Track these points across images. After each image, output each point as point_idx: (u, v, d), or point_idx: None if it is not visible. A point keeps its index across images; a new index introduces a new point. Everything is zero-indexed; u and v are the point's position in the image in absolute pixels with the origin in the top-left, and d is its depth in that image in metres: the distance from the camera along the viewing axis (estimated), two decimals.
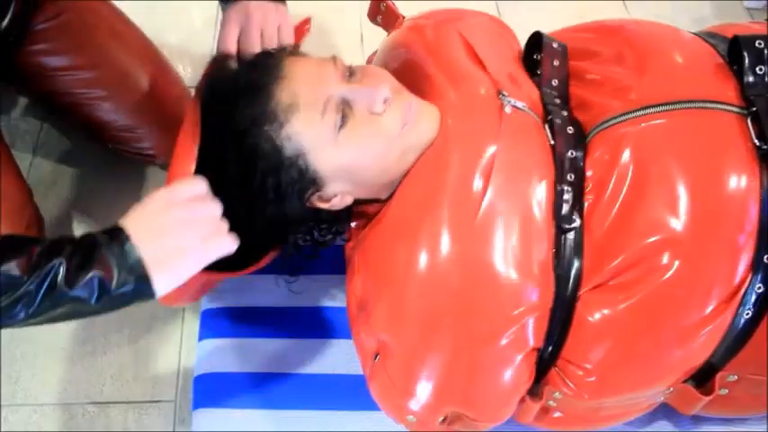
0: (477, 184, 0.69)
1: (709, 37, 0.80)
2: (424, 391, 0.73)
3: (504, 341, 0.70)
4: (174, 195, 0.66)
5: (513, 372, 0.72)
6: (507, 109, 0.72)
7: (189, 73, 1.44)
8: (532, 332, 0.71)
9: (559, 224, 0.70)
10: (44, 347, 1.11)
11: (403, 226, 0.72)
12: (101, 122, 1.16)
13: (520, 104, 0.73)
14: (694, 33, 0.83)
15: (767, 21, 1.05)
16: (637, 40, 0.78)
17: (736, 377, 0.76)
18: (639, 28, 0.82)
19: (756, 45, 0.72)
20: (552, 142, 0.73)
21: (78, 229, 1.25)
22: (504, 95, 0.73)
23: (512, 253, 0.68)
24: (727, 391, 0.77)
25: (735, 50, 0.74)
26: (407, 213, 0.72)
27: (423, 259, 0.69)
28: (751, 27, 0.83)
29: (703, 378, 0.77)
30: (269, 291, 1.07)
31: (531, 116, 0.74)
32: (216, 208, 0.67)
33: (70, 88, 1.12)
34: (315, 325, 1.04)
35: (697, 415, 0.86)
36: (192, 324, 1.11)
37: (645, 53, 0.76)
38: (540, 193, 0.70)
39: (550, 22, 0.93)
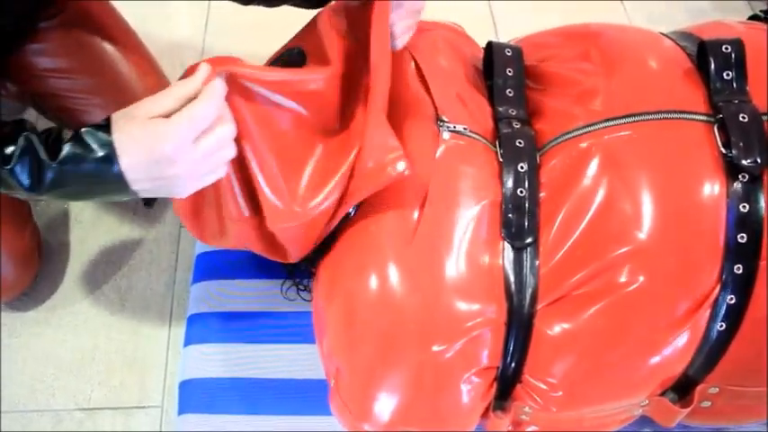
0: (414, 215, 0.70)
1: (682, 39, 0.79)
2: (378, 414, 0.73)
3: (448, 354, 0.69)
4: (191, 131, 0.62)
5: (465, 390, 0.72)
6: (445, 135, 0.72)
7: (179, 74, 1.43)
8: (487, 348, 0.70)
9: (508, 240, 0.69)
10: (32, 354, 1.11)
11: (352, 253, 0.73)
12: None
13: (460, 128, 0.73)
14: (670, 37, 0.81)
15: (762, 13, 1.02)
16: (609, 44, 0.76)
17: (717, 389, 0.75)
18: (617, 34, 0.80)
19: (723, 50, 0.70)
20: (501, 159, 0.71)
21: (74, 233, 1.25)
22: (442, 122, 0.72)
23: (456, 276, 0.68)
24: (709, 403, 0.76)
25: (702, 56, 0.72)
26: (355, 242, 0.73)
27: (372, 283, 0.69)
28: (733, 29, 0.80)
29: (684, 390, 0.76)
30: (255, 296, 1.08)
31: (473, 138, 0.73)
32: (228, 140, 0.64)
33: (66, 92, 1.11)
34: (301, 330, 1.04)
35: (685, 424, 0.85)
36: (179, 329, 1.11)
37: (615, 57, 0.74)
38: (480, 215, 0.69)
39: (544, 22, 0.91)
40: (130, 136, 0.62)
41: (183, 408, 1.00)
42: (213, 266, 1.12)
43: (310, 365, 1.01)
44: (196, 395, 1.00)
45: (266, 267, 1.10)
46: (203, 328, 1.06)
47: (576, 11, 1.58)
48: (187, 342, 1.05)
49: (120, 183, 0.63)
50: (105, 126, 0.63)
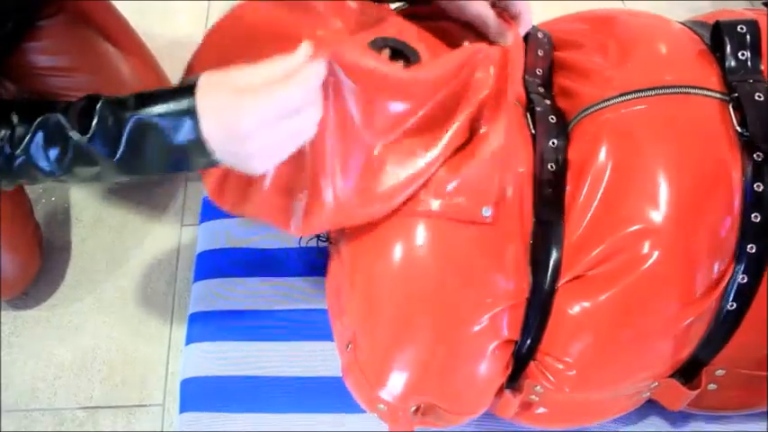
0: None
1: (696, 26, 0.79)
2: (395, 382, 0.73)
3: (476, 327, 0.68)
4: (280, 107, 0.57)
5: (487, 363, 0.71)
6: None
7: (178, 73, 1.43)
8: (507, 323, 0.70)
9: (537, 214, 0.68)
10: (33, 353, 1.11)
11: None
12: None
13: None
14: (682, 23, 0.81)
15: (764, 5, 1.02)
16: (624, 31, 0.77)
17: (724, 371, 0.74)
18: (629, 19, 0.80)
19: (739, 30, 0.70)
20: (533, 131, 0.72)
21: (75, 232, 1.25)
22: None
23: (485, 247, 0.67)
24: (715, 386, 0.76)
25: (717, 36, 0.72)
26: None
27: (397, 251, 0.68)
28: (744, 14, 0.80)
29: (691, 373, 0.76)
30: (256, 294, 1.07)
31: (513, 103, 0.72)
32: (312, 125, 0.60)
33: (65, 90, 1.11)
34: (302, 328, 1.04)
35: (688, 412, 0.84)
36: (180, 328, 1.10)
37: (630, 44, 0.74)
38: (516, 185, 0.69)
39: (545, 14, 0.91)
40: (214, 104, 0.59)
41: (185, 406, 0.99)
42: (214, 265, 1.12)
43: (312, 363, 1.01)
44: (197, 394, 0.99)
45: (267, 266, 1.10)
46: (205, 326, 1.05)
47: (576, 10, 1.57)
48: (188, 341, 1.05)
49: (199, 147, 0.61)
50: (190, 88, 0.60)
